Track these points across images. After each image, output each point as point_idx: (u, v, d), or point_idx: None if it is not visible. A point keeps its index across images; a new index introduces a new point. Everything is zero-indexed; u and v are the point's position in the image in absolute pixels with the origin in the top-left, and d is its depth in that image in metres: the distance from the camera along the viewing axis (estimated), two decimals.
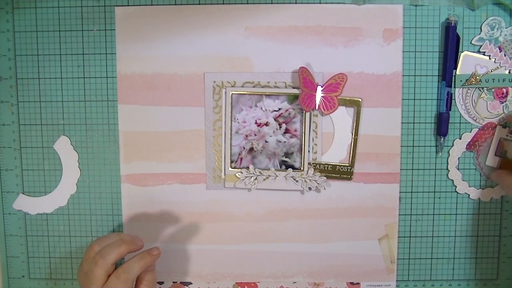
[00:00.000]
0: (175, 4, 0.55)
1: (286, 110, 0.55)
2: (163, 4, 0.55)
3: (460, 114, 0.55)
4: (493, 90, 0.55)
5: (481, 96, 0.54)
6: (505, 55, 0.54)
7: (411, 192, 0.57)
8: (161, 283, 0.58)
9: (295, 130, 0.56)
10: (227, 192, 0.57)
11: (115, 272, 0.48)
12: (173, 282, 0.59)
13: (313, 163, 0.56)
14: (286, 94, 0.55)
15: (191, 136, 0.56)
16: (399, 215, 0.57)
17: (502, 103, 0.55)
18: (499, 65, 0.54)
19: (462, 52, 0.54)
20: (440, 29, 0.54)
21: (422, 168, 0.56)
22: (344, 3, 0.54)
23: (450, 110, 0.55)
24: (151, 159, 0.57)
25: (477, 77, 0.53)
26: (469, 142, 0.55)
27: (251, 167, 0.56)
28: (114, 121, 0.56)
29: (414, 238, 0.57)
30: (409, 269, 0.58)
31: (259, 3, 0.55)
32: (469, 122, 0.55)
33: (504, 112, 0.55)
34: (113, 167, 0.57)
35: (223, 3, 0.55)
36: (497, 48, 0.54)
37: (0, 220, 0.58)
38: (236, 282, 0.59)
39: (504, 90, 0.55)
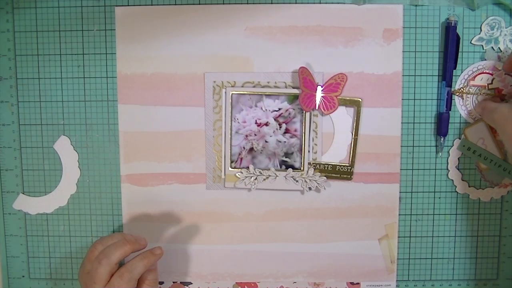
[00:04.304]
0: (175, 4, 0.55)
1: (286, 110, 0.55)
2: (163, 4, 0.55)
3: (460, 114, 0.55)
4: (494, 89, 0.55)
5: (482, 93, 0.54)
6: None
7: (411, 192, 0.57)
8: (161, 283, 0.58)
9: (295, 130, 0.56)
10: (227, 192, 0.57)
11: (118, 272, 0.48)
12: (173, 282, 0.59)
13: (313, 163, 0.56)
14: (286, 94, 0.55)
15: (191, 136, 0.56)
16: (399, 215, 0.57)
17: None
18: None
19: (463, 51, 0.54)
20: (440, 29, 0.54)
21: (422, 168, 0.56)
22: (344, 3, 0.54)
23: (450, 110, 0.55)
24: (151, 159, 0.57)
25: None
26: None
27: (251, 167, 0.56)
28: (114, 121, 0.56)
29: (414, 238, 0.57)
30: (409, 269, 0.58)
31: (259, 3, 0.55)
32: (470, 122, 0.55)
33: None
34: (113, 167, 0.57)
35: (223, 3, 0.55)
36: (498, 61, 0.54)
37: (0, 220, 0.58)
38: (236, 282, 0.59)
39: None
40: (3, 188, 0.58)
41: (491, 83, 0.54)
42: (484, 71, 0.54)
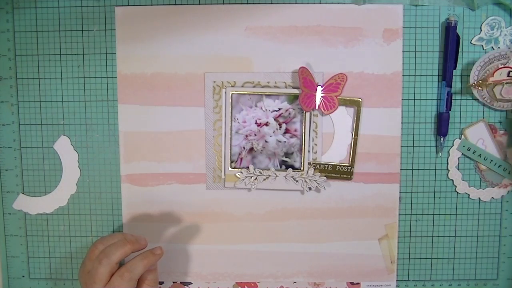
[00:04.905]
0: (175, 4, 0.55)
1: (286, 110, 0.55)
2: (163, 4, 0.55)
3: (473, 93, 0.54)
4: None
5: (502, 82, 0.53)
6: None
7: (411, 192, 0.57)
8: (161, 283, 0.58)
9: (295, 130, 0.56)
10: (227, 192, 0.57)
11: (118, 271, 0.48)
12: (173, 282, 0.59)
13: (313, 163, 0.56)
14: (286, 94, 0.55)
15: (191, 136, 0.56)
16: (399, 215, 0.57)
17: None
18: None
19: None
20: (440, 29, 0.54)
21: (422, 168, 0.56)
22: (344, 3, 0.54)
23: (450, 110, 0.55)
24: (151, 159, 0.57)
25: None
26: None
27: (251, 167, 0.56)
28: (114, 121, 0.56)
29: (414, 238, 0.57)
30: (409, 269, 0.58)
31: (259, 3, 0.55)
32: (470, 122, 0.55)
33: None
34: (113, 167, 0.57)
35: (223, 3, 0.55)
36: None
37: (0, 220, 0.58)
38: (236, 282, 0.59)
39: None
40: (3, 188, 0.58)
41: None
42: (506, 66, 0.53)
